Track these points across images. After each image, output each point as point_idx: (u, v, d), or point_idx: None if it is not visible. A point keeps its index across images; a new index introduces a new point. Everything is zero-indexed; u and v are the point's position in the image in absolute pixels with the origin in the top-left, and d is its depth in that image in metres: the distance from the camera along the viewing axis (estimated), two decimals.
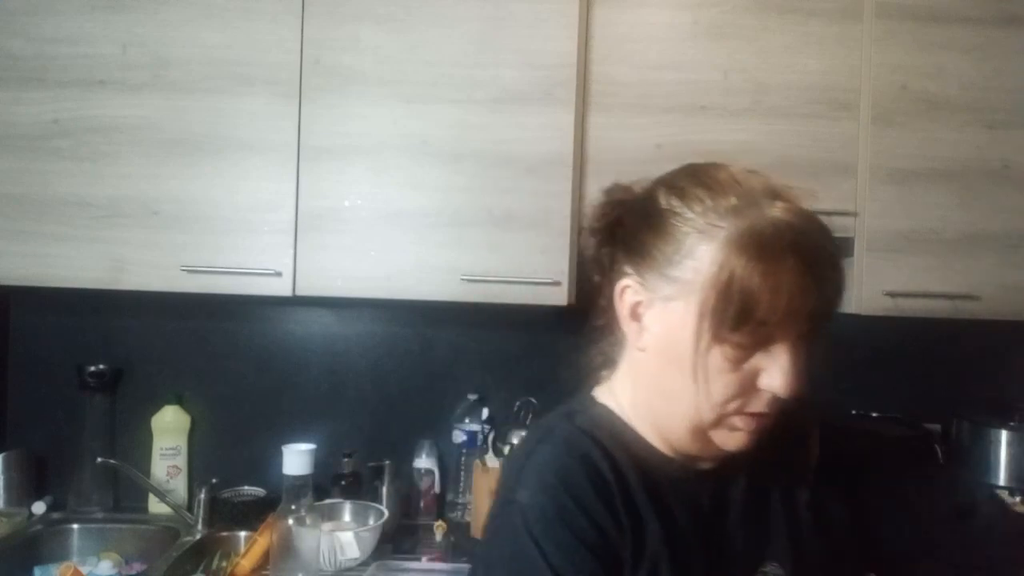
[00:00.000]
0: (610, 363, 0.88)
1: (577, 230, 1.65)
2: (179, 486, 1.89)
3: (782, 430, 0.82)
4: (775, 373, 0.71)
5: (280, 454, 1.52)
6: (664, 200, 0.80)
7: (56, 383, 1.90)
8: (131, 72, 1.60)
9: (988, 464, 1.81)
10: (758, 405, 0.74)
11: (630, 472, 0.80)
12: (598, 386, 0.89)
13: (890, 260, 1.67)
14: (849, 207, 1.68)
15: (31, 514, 1.80)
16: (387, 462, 1.82)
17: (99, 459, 1.78)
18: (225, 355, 1.95)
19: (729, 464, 0.82)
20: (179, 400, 1.91)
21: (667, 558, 0.77)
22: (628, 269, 0.80)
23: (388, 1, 1.61)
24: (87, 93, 1.60)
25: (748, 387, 0.73)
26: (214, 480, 1.80)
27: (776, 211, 0.72)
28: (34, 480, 1.88)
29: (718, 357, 0.72)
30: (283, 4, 1.60)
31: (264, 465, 1.79)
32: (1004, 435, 1.80)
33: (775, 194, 0.74)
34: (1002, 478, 1.78)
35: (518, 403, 1.91)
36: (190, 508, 1.82)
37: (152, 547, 1.75)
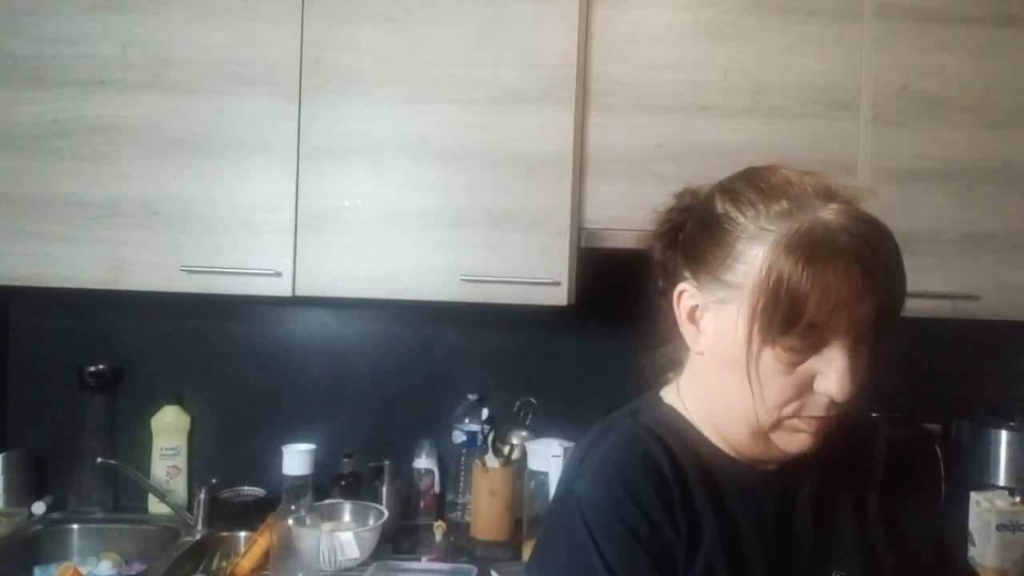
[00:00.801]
0: (676, 365, 0.89)
1: (577, 230, 1.65)
2: (179, 486, 1.89)
3: (848, 433, 0.82)
4: (831, 376, 0.71)
5: (280, 454, 1.52)
6: (720, 205, 0.80)
7: (56, 383, 1.90)
8: (131, 72, 1.60)
9: (988, 464, 1.81)
10: (815, 409, 0.73)
11: (691, 471, 0.80)
12: (666, 387, 0.90)
13: None
14: None
15: (31, 514, 1.80)
16: (387, 462, 1.82)
17: (99, 459, 1.78)
18: (225, 355, 1.95)
19: (795, 466, 0.81)
20: (179, 400, 1.91)
21: (723, 558, 0.77)
22: (686, 273, 0.81)
23: (388, 1, 1.61)
24: (87, 93, 1.60)
25: (804, 390, 0.73)
26: (214, 480, 1.80)
27: (828, 213, 0.72)
28: (34, 480, 1.88)
29: (771, 360, 0.73)
30: (283, 4, 1.60)
31: (264, 465, 1.79)
32: (1004, 435, 1.80)
33: (829, 195, 0.74)
34: (1002, 478, 1.78)
35: (518, 403, 1.91)
36: (190, 508, 1.82)
37: (152, 547, 1.75)
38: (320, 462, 1.59)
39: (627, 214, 1.66)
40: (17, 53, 1.60)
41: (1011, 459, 1.79)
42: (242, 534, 1.74)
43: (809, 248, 0.70)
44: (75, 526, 1.79)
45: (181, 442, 1.90)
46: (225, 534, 1.75)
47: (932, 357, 1.98)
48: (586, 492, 0.78)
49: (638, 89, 1.66)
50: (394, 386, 1.97)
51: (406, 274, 1.61)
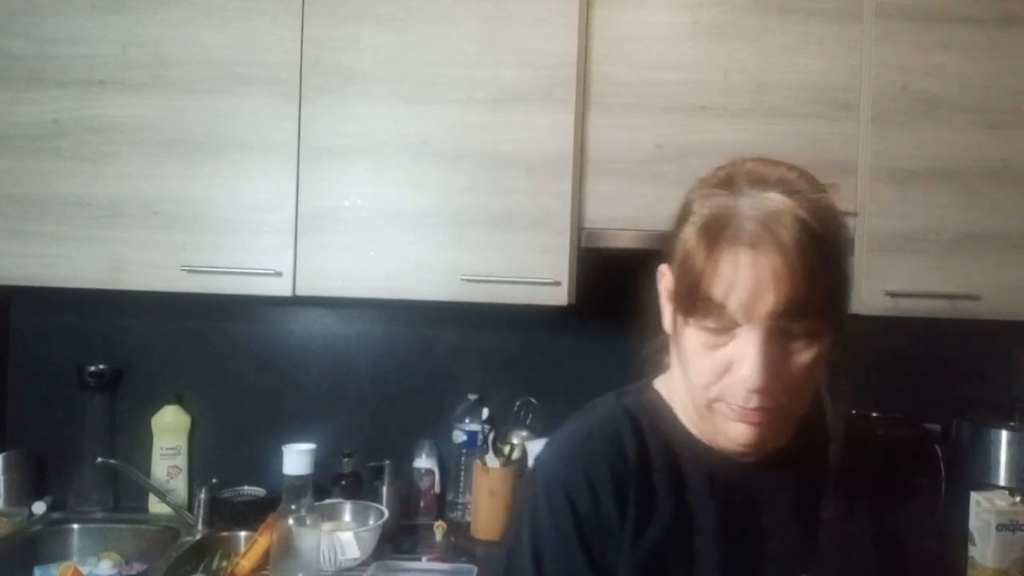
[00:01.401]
0: (668, 351, 0.89)
1: (577, 230, 1.65)
2: (179, 486, 1.89)
3: (840, 435, 0.83)
4: (742, 364, 0.71)
5: (280, 454, 1.52)
6: (695, 184, 0.82)
7: (56, 383, 1.90)
8: (131, 72, 1.60)
9: (988, 464, 1.81)
10: (735, 397, 0.73)
11: (658, 456, 0.82)
12: (661, 374, 0.90)
13: (890, 260, 1.66)
14: (849, 207, 1.66)
15: (31, 514, 1.80)
16: (387, 462, 1.82)
17: (99, 459, 1.78)
18: (225, 355, 1.95)
19: (777, 463, 0.81)
20: (179, 400, 1.91)
21: (672, 545, 0.78)
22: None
23: (388, 1, 1.61)
24: (87, 93, 1.60)
25: (721, 374, 0.74)
26: (214, 480, 1.80)
27: (747, 201, 0.72)
28: (34, 480, 1.88)
29: (691, 338, 0.75)
30: (283, 4, 1.60)
31: (264, 465, 1.79)
32: (1004, 435, 1.80)
33: (764, 185, 0.73)
34: (1002, 478, 1.78)
35: (518, 403, 1.91)
36: (190, 508, 1.82)
37: (152, 547, 1.75)
38: (320, 462, 1.59)
39: (627, 214, 1.66)
40: (17, 53, 1.60)
41: (1011, 459, 1.79)
42: (242, 534, 1.74)
43: (714, 231, 0.71)
44: (75, 526, 1.79)
45: (181, 442, 1.90)
46: (225, 534, 1.75)
47: (932, 357, 1.99)
48: (545, 462, 0.84)
49: (638, 89, 1.66)
50: (394, 386, 1.97)
51: (406, 274, 1.61)
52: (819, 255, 0.70)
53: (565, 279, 1.61)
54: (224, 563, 1.67)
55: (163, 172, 1.60)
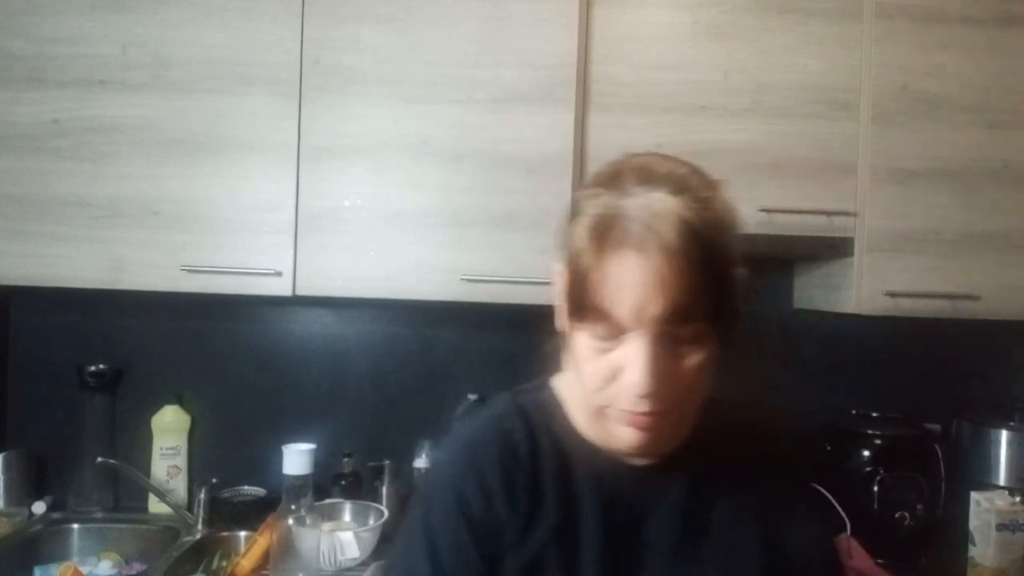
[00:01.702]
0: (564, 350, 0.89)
1: None
2: (179, 486, 1.89)
3: (737, 441, 0.83)
4: (631, 369, 0.70)
5: (280, 454, 1.52)
6: (585, 181, 0.80)
7: (56, 383, 1.90)
8: (131, 72, 1.60)
9: (988, 464, 1.81)
10: (625, 401, 0.72)
11: (549, 457, 0.82)
12: (561, 373, 0.90)
13: (890, 260, 1.67)
14: (849, 207, 1.68)
15: (31, 514, 1.80)
16: (387, 462, 1.82)
17: (99, 459, 1.78)
18: (225, 355, 1.95)
19: (670, 467, 0.81)
20: (179, 400, 1.91)
21: (556, 547, 0.78)
22: None
23: (388, 1, 1.61)
24: (87, 93, 1.60)
25: (612, 379, 0.73)
26: (214, 480, 1.80)
27: (634, 202, 0.70)
28: (34, 480, 1.88)
29: (582, 343, 0.74)
30: (283, 4, 1.60)
31: (264, 465, 1.79)
32: (1004, 435, 1.80)
33: (655, 183, 0.71)
34: (1002, 478, 1.78)
35: None
36: (190, 508, 1.82)
37: (152, 547, 1.75)
38: (320, 462, 1.59)
39: None
40: (17, 53, 1.60)
41: (1011, 459, 1.79)
42: (242, 534, 1.74)
43: (601, 234, 0.70)
44: (75, 526, 1.79)
45: (181, 442, 1.90)
46: (225, 534, 1.75)
47: (932, 357, 1.99)
48: (439, 464, 0.85)
49: (638, 89, 1.66)
50: (394, 386, 1.97)
51: (406, 274, 1.61)
52: (705, 258, 0.69)
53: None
54: (224, 563, 1.67)
55: (163, 172, 1.60)
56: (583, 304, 0.71)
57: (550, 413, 0.85)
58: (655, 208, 0.69)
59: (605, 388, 0.73)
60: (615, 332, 0.71)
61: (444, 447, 0.86)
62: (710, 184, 0.75)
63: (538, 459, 0.81)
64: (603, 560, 0.78)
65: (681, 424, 0.78)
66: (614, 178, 0.74)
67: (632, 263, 0.68)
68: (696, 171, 0.76)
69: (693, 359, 0.72)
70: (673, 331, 0.70)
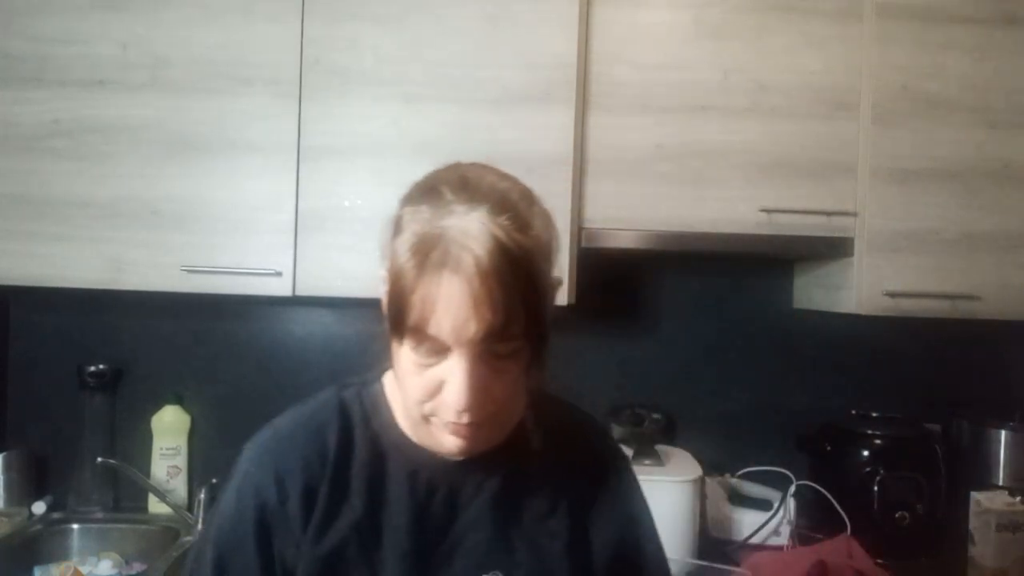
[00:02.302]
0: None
1: (577, 230, 1.65)
2: (179, 486, 1.89)
3: (551, 438, 0.85)
4: (451, 386, 0.72)
5: None
6: (402, 198, 0.81)
7: (56, 383, 1.90)
8: (131, 72, 1.60)
9: (988, 464, 1.81)
10: (447, 413, 0.74)
11: (362, 451, 0.83)
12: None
13: (890, 260, 1.67)
14: (849, 207, 1.68)
15: (31, 514, 1.80)
16: None
17: (99, 459, 1.78)
18: (225, 355, 1.94)
19: (486, 463, 0.83)
20: (179, 400, 1.91)
21: (356, 540, 0.79)
22: None
23: (388, 1, 1.61)
24: (87, 93, 1.60)
25: (434, 393, 0.74)
26: (214, 480, 1.79)
27: (451, 220, 0.71)
28: (34, 480, 1.88)
29: (404, 358, 0.75)
30: (283, 4, 1.60)
31: None
32: (1004, 435, 1.80)
33: (474, 198, 0.72)
34: (1002, 478, 1.78)
35: None
36: (190, 508, 1.82)
37: (152, 547, 1.75)
38: None
39: (627, 214, 1.66)
40: (17, 53, 1.60)
41: (1011, 459, 1.79)
42: None
43: (420, 254, 0.70)
44: (75, 526, 1.79)
45: (181, 442, 1.90)
46: None
47: (932, 357, 1.99)
48: (246, 453, 0.85)
49: (638, 89, 1.66)
50: None
51: None
52: (522, 279, 0.70)
53: (565, 279, 1.61)
54: None
55: (163, 172, 1.60)
56: (404, 324, 0.72)
57: (373, 407, 0.87)
58: (473, 230, 0.69)
59: (429, 400, 0.75)
60: (436, 351, 0.72)
61: (255, 440, 0.87)
62: (530, 200, 0.78)
63: (349, 454, 0.83)
64: (408, 555, 0.80)
65: (503, 427, 0.81)
66: (435, 193, 0.74)
67: (451, 285, 0.69)
68: (517, 184, 0.78)
69: (511, 371, 0.74)
70: (492, 348, 0.72)
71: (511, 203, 0.73)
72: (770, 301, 2.01)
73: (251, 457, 0.85)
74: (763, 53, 1.67)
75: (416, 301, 0.70)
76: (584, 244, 1.66)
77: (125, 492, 1.89)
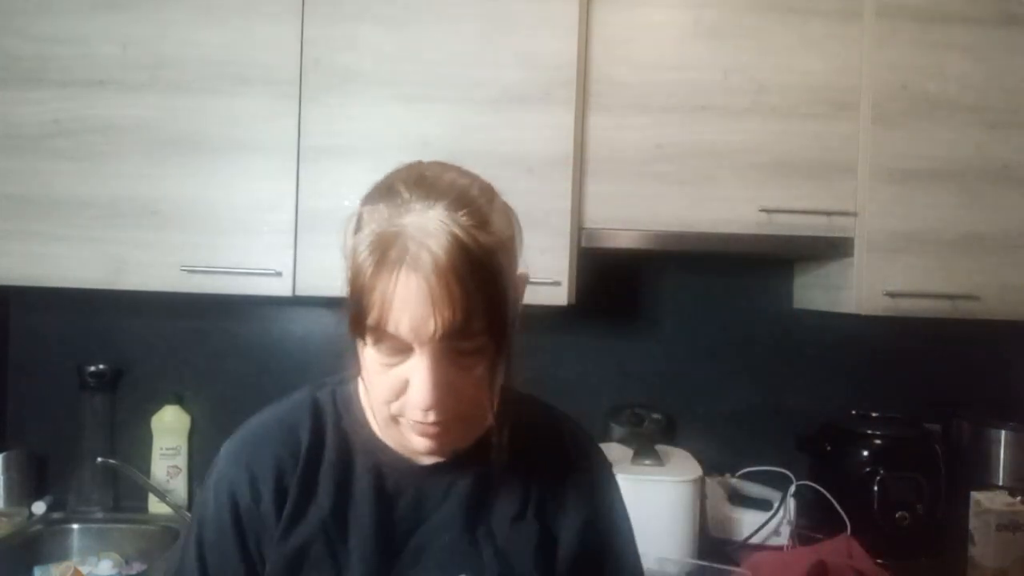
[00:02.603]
0: None
1: (577, 230, 1.65)
2: (179, 486, 1.89)
3: (521, 438, 0.84)
4: (415, 385, 0.72)
5: None
6: (369, 192, 0.80)
7: (56, 383, 1.90)
8: (131, 72, 1.60)
9: (988, 464, 1.81)
10: (414, 413, 0.73)
11: (332, 451, 0.83)
12: None
13: (890, 260, 1.67)
14: (849, 207, 1.68)
15: (31, 514, 1.80)
16: None
17: (99, 459, 1.78)
18: (225, 355, 1.94)
19: (456, 464, 0.82)
20: (179, 400, 1.91)
21: (322, 539, 0.79)
22: None
23: (388, 1, 1.61)
24: (87, 93, 1.60)
25: (400, 392, 0.74)
26: None
27: (413, 220, 0.70)
28: (34, 480, 1.88)
29: (369, 357, 0.75)
30: (283, 4, 1.60)
31: None
32: (1004, 435, 1.80)
33: (433, 195, 0.71)
34: (1002, 478, 1.78)
35: None
36: (190, 508, 1.82)
37: (152, 547, 1.75)
38: None
39: (627, 214, 1.66)
40: (17, 53, 1.60)
41: (1011, 459, 1.79)
42: None
43: (379, 252, 0.69)
44: (75, 526, 1.79)
45: (181, 442, 1.90)
46: None
47: (932, 357, 1.99)
48: (221, 454, 0.85)
49: (638, 89, 1.66)
50: None
51: None
52: (481, 276, 0.69)
53: (565, 279, 1.61)
54: None
55: (163, 172, 1.60)
56: (363, 323, 0.71)
57: (345, 407, 0.86)
58: (430, 227, 0.69)
59: (395, 400, 0.74)
60: (398, 349, 0.72)
61: (230, 440, 0.87)
62: (490, 195, 0.77)
63: (320, 454, 0.83)
64: (373, 555, 0.79)
65: (473, 426, 0.80)
66: (393, 192, 0.74)
67: (408, 283, 0.68)
68: (476, 180, 0.78)
69: (477, 369, 0.73)
70: (455, 345, 0.71)
71: (470, 199, 0.72)
72: (770, 301, 2.01)
73: (226, 456, 0.85)
74: (763, 53, 1.67)
75: (375, 300, 0.69)
76: (584, 244, 1.66)
77: (125, 492, 1.89)
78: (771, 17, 1.67)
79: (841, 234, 1.68)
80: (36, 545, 1.73)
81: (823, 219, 1.67)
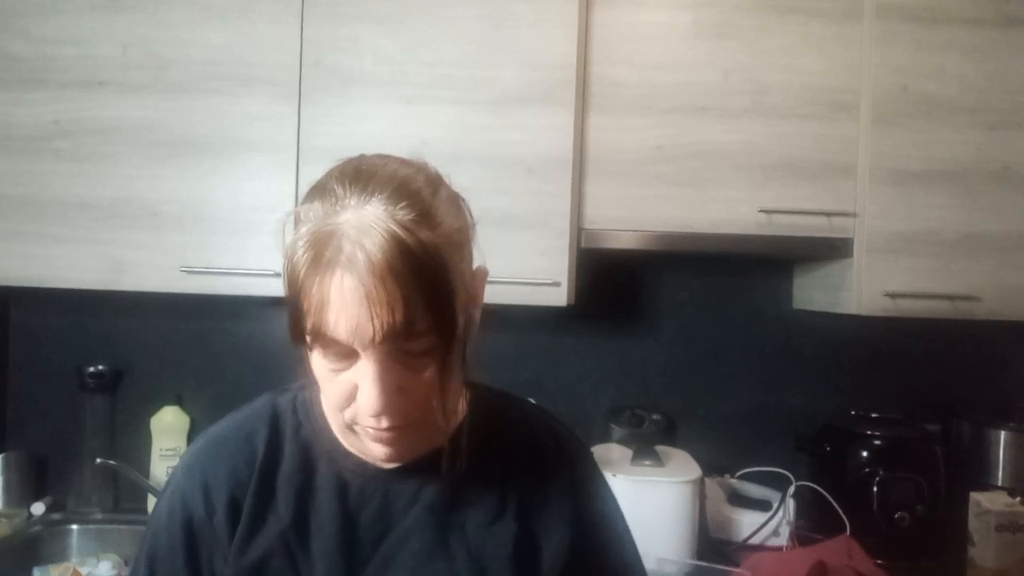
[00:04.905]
0: None
1: (577, 230, 1.65)
2: None
3: (494, 441, 0.82)
4: (362, 390, 0.69)
5: None
6: (308, 190, 0.76)
7: (56, 383, 1.90)
8: (131, 73, 1.60)
9: (988, 464, 1.81)
10: (365, 419, 0.71)
11: (291, 460, 0.80)
12: None
13: (890, 260, 1.67)
14: (849, 208, 1.68)
15: (31, 515, 1.80)
16: None
17: (99, 459, 1.77)
18: (225, 355, 1.94)
19: (423, 470, 0.79)
20: (179, 400, 1.91)
21: (283, 550, 0.76)
22: None
23: (388, 1, 1.61)
24: (87, 94, 1.60)
25: (351, 399, 0.71)
26: None
27: (348, 219, 0.66)
28: (34, 480, 1.88)
29: (317, 363, 0.72)
30: (283, 4, 1.60)
31: None
32: (1004, 435, 1.80)
33: (372, 188, 0.68)
34: (1002, 478, 1.78)
35: None
36: None
37: None
38: None
39: (627, 214, 1.66)
40: (17, 54, 1.60)
41: (1011, 459, 1.79)
42: None
43: (314, 252, 0.66)
44: (75, 526, 1.79)
45: (181, 442, 1.90)
46: None
47: (932, 357, 1.99)
48: (178, 464, 0.83)
49: (638, 89, 1.66)
50: None
51: None
52: (422, 273, 0.65)
53: (565, 279, 1.61)
54: None
55: (163, 173, 1.60)
56: (302, 328, 0.68)
57: (306, 413, 0.83)
58: (366, 224, 0.65)
59: (348, 407, 0.72)
60: (343, 354, 0.68)
61: (188, 450, 0.85)
62: (436, 185, 0.72)
63: (277, 463, 0.80)
64: (338, 566, 0.76)
65: (433, 429, 0.75)
66: (328, 188, 0.70)
67: (344, 285, 0.64)
68: (423, 171, 0.73)
69: (427, 370, 0.70)
70: (401, 347, 0.68)
71: (411, 191, 0.68)
72: (770, 301, 2.01)
73: (181, 468, 0.82)
74: (762, 54, 1.67)
75: (311, 303, 0.66)
76: (584, 245, 1.66)
77: (125, 493, 1.89)
78: (771, 18, 1.67)
79: (841, 235, 1.68)
80: (35, 546, 1.74)
81: (823, 220, 1.67)
